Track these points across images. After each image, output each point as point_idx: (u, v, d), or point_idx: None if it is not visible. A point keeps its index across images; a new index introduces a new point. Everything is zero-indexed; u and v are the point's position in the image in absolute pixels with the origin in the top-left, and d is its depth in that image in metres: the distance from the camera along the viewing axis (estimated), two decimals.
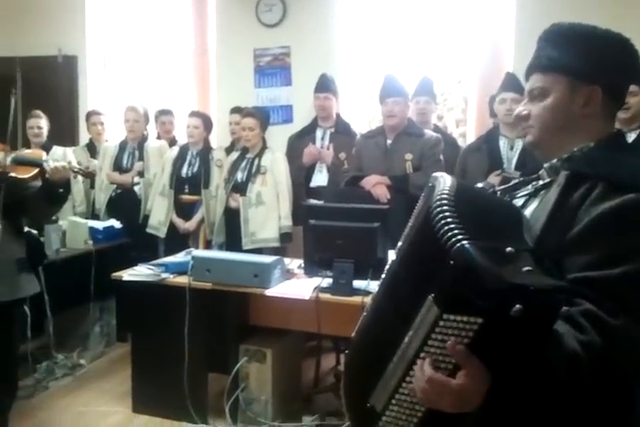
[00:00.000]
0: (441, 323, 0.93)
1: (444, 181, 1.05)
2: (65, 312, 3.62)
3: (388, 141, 3.56)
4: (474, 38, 4.34)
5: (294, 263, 3.11)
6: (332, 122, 4.09)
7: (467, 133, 4.48)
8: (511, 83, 3.24)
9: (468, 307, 0.89)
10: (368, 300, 2.52)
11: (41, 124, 4.23)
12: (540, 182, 1.20)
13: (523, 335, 0.89)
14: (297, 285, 2.84)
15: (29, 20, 5.14)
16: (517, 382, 0.94)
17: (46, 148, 4.19)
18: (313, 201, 3.76)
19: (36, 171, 2.50)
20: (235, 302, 2.90)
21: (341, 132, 4.04)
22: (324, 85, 4.08)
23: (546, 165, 1.20)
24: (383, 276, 1.22)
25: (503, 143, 3.28)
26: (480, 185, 1.31)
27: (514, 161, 3.22)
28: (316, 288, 2.71)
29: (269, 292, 2.75)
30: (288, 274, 2.94)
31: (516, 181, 1.27)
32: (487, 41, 4.26)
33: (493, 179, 2.95)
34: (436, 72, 4.29)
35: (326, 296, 2.68)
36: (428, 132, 3.58)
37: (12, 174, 2.48)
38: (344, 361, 1.38)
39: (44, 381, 3.44)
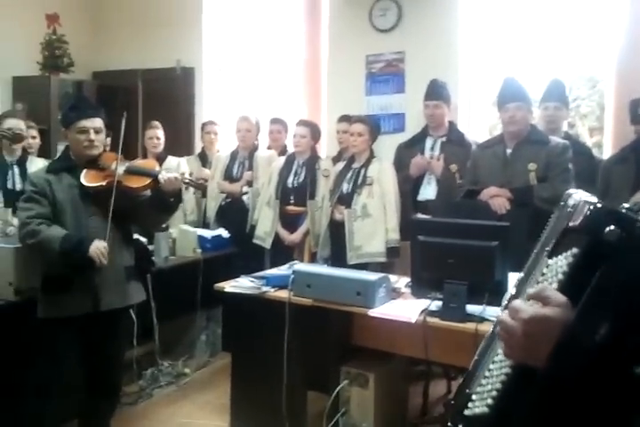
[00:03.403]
0: (545, 271, 0.85)
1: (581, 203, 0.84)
2: (172, 320, 3.64)
3: (508, 151, 3.26)
4: (610, 35, 3.90)
5: (402, 281, 2.89)
6: (444, 131, 3.83)
7: (603, 143, 4.04)
8: None
9: (568, 243, 0.82)
10: (483, 328, 2.33)
11: (158, 134, 4.34)
12: None
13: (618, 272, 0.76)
14: (403, 306, 2.62)
15: (150, 35, 5.34)
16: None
17: (161, 158, 4.30)
18: (420, 215, 3.53)
19: (148, 181, 2.51)
20: (336, 321, 2.73)
21: (454, 141, 3.77)
22: (435, 92, 3.82)
23: None
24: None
25: None
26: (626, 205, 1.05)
27: None
28: (423, 311, 2.49)
29: (373, 312, 2.56)
30: (394, 293, 2.73)
31: None
32: (626, 38, 3.80)
33: None
34: (567, 75, 3.90)
35: (435, 321, 2.45)
36: (554, 139, 3.23)
37: (125, 184, 2.50)
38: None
39: (148, 388, 3.47)
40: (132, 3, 5.50)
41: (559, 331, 0.77)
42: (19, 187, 3.20)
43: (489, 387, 0.92)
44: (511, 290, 0.98)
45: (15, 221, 2.78)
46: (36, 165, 3.20)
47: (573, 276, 0.80)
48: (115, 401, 2.76)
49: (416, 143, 3.86)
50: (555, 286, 0.82)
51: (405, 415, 3.00)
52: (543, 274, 0.86)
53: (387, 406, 2.79)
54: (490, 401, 0.90)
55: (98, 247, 2.38)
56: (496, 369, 0.92)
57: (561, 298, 0.79)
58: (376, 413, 2.71)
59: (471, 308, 2.41)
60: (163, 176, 2.50)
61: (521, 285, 0.94)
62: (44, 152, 3.92)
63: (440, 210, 3.36)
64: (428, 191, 3.70)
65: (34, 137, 3.80)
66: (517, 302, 0.85)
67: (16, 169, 3.38)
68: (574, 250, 0.81)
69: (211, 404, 3.32)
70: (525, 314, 0.80)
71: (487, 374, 0.94)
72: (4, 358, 2.62)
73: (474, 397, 0.95)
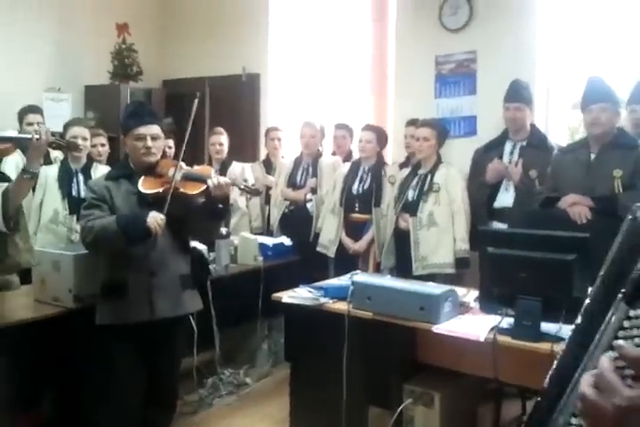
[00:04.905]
0: (626, 324, 0.73)
1: None
2: (232, 328, 3.59)
3: (592, 155, 3.02)
4: None
5: (471, 295, 2.71)
6: (525, 134, 3.57)
7: None
8: None
9: None
10: (559, 348, 2.13)
11: (222, 140, 4.32)
12: None
13: None
14: (471, 322, 2.44)
15: (217, 42, 5.36)
16: None
17: (226, 164, 4.29)
18: (496, 224, 3.33)
19: (203, 187, 2.46)
20: (398, 336, 2.58)
21: (535, 145, 3.51)
22: (516, 94, 3.56)
23: None
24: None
25: None
26: None
27: None
28: (493, 329, 2.30)
29: (437, 328, 2.40)
30: (462, 308, 2.56)
31: None
32: None
33: None
34: None
35: (506, 339, 2.26)
36: None
37: (182, 190, 2.47)
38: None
39: (208, 397, 3.42)
40: (199, 11, 5.55)
41: None
42: (83, 194, 3.23)
43: None
44: (575, 332, 0.82)
45: (79, 228, 2.80)
46: (101, 172, 3.23)
47: None
48: (171, 410, 2.73)
49: (494, 147, 3.63)
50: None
51: None
52: (624, 328, 0.70)
53: None
54: None
55: (154, 217, 2.35)
56: None
57: None
58: None
59: (546, 326, 2.23)
60: (212, 180, 2.44)
61: (588, 328, 0.78)
62: (113, 160, 3.98)
63: (517, 219, 3.14)
64: (506, 198, 3.46)
65: (103, 144, 3.86)
66: (609, 375, 0.65)
67: (80, 177, 3.42)
68: None
69: (271, 416, 3.24)
70: (621, 399, 0.62)
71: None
72: (62, 364, 2.64)
73: None
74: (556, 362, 0.91)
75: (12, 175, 2.28)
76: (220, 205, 2.50)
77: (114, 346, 2.48)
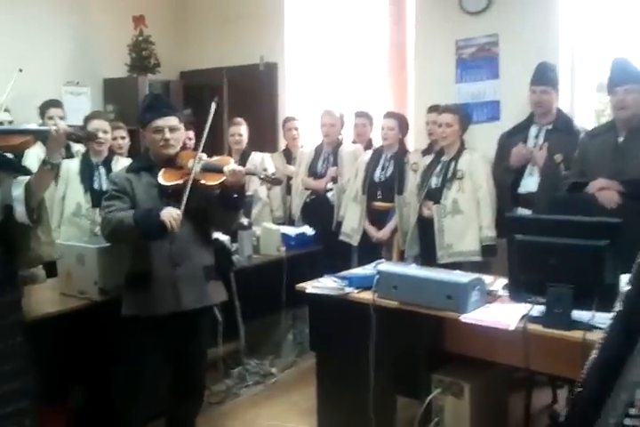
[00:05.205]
0: None
1: None
2: (257, 319, 3.60)
3: (620, 139, 2.95)
4: None
5: (498, 283, 2.66)
6: (552, 118, 3.48)
7: None
8: None
9: None
10: (592, 336, 2.08)
11: (241, 131, 4.30)
12: None
13: None
14: (500, 311, 2.39)
15: (234, 32, 5.32)
16: None
17: (246, 154, 4.27)
18: (521, 210, 3.26)
19: (223, 178, 2.43)
20: (425, 325, 2.55)
21: (560, 129, 3.43)
22: (543, 77, 3.46)
23: None
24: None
25: None
26: None
27: None
28: (523, 317, 2.25)
29: (465, 318, 2.36)
30: (490, 297, 2.51)
31: None
32: None
33: None
34: None
35: (537, 328, 2.21)
36: None
37: (201, 182, 2.44)
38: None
39: (235, 387, 3.44)
40: (215, 1, 5.51)
41: None
42: (105, 187, 3.24)
43: None
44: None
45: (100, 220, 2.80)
46: (122, 165, 3.22)
47: None
48: (199, 400, 2.74)
49: (519, 132, 3.55)
50: None
51: (506, 426, 2.77)
52: None
53: (484, 418, 2.58)
54: None
55: (169, 212, 2.34)
56: None
57: None
58: (472, 424, 2.52)
59: (578, 314, 2.18)
60: (227, 168, 2.41)
61: (630, 315, 0.74)
62: (134, 152, 3.97)
63: (542, 204, 3.07)
64: (530, 183, 3.39)
65: (123, 137, 3.86)
66: None
67: (102, 170, 3.43)
68: None
69: (297, 406, 3.24)
70: None
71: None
72: (89, 356, 2.66)
73: None
74: (595, 351, 0.87)
75: (34, 169, 2.28)
76: (236, 195, 2.47)
77: (140, 338, 2.48)
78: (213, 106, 2.51)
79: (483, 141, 3.74)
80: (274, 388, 3.50)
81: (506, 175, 3.44)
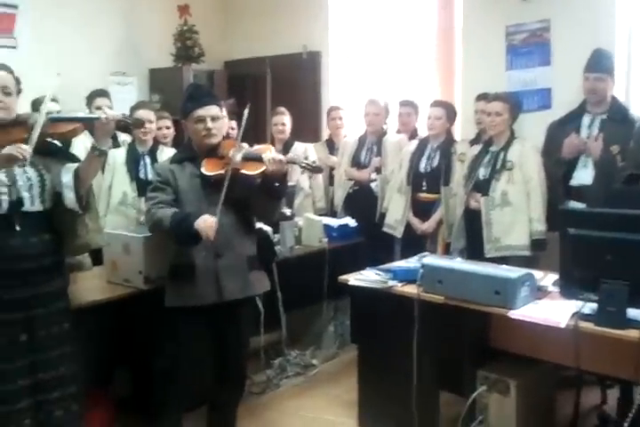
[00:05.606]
0: None
1: None
2: (298, 310, 3.58)
3: None
4: None
5: (548, 279, 2.58)
6: (606, 107, 3.33)
7: None
8: None
9: None
10: None
11: (284, 120, 4.27)
12: None
13: None
14: (550, 307, 2.31)
15: (277, 21, 5.30)
16: None
17: (288, 144, 4.24)
18: (573, 203, 3.14)
19: (264, 168, 2.41)
20: (471, 321, 2.49)
21: (615, 118, 3.27)
22: (597, 64, 3.31)
23: None
24: None
25: None
26: None
27: None
28: (575, 314, 2.17)
29: (514, 314, 2.28)
30: (539, 293, 2.43)
31: None
32: None
33: None
34: None
35: (589, 326, 2.13)
36: None
37: (242, 171, 2.42)
38: None
39: (276, 378, 3.44)
40: None
41: None
42: (150, 177, 3.26)
43: None
44: None
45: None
46: (166, 154, 3.24)
47: None
48: (240, 389, 2.75)
49: (571, 121, 3.40)
50: None
51: (553, 426, 2.69)
52: None
53: (531, 417, 2.52)
54: None
55: (205, 220, 2.32)
56: None
57: None
58: (518, 423, 2.46)
59: (633, 312, 2.09)
60: (267, 156, 2.38)
61: None
62: (179, 142, 4.00)
63: (597, 197, 2.95)
64: (584, 176, 3.25)
65: (168, 127, 3.88)
66: None
67: (147, 159, 3.46)
68: None
69: (338, 398, 3.22)
70: None
71: None
72: (134, 343, 2.69)
73: None
74: None
75: (82, 158, 2.30)
76: (277, 184, 2.44)
77: (183, 327, 2.50)
78: (246, 113, 2.48)
79: (533, 131, 3.61)
80: (314, 379, 3.49)
81: (557, 167, 3.31)
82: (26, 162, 1.97)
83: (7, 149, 1.95)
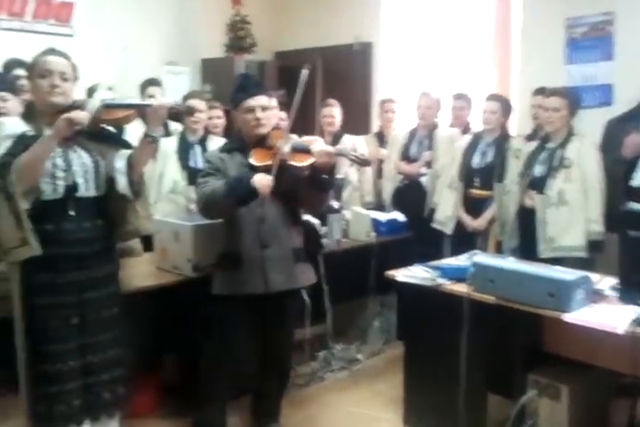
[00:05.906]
0: None
1: None
2: (344, 303, 3.56)
3: None
4: None
5: (605, 282, 2.48)
6: None
7: None
8: None
9: None
10: None
11: (334, 112, 4.22)
12: None
13: None
14: (607, 312, 2.23)
15: (329, 12, 5.26)
16: None
17: (338, 136, 4.20)
18: (634, 205, 3.00)
19: (312, 159, 2.37)
20: (523, 323, 2.42)
21: None
22: None
23: None
24: None
25: None
26: None
27: None
28: (634, 321, 2.09)
29: (568, 317, 2.21)
30: (595, 296, 2.34)
31: None
32: None
33: None
34: None
35: None
36: None
37: (290, 162, 2.40)
38: None
39: (320, 371, 3.43)
40: None
41: None
42: (200, 166, 3.28)
43: None
44: None
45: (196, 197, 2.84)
46: (216, 144, 3.25)
47: None
48: (285, 380, 2.76)
49: (632, 119, 3.28)
50: None
51: None
52: None
53: (583, 423, 2.45)
54: None
55: (261, 178, 2.32)
56: None
57: None
58: None
59: None
60: (315, 148, 2.35)
61: None
62: (229, 132, 4.01)
63: None
64: None
65: (219, 117, 3.89)
66: None
67: (197, 148, 3.48)
68: None
69: (382, 395, 3.19)
70: None
71: None
72: (182, 330, 2.72)
73: None
74: None
75: (135, 145, 2.33)
76: (325, 176, 2.40)
77: (230, 316, 2.51)
78: (304, 73, 2.33)
79: (593, 128, 3.47)
80: (359, 374, 3.46)
81: (617, 166, 3.18)
82: (83, 126, 2.04)
83: (66, 115, 2.00)
